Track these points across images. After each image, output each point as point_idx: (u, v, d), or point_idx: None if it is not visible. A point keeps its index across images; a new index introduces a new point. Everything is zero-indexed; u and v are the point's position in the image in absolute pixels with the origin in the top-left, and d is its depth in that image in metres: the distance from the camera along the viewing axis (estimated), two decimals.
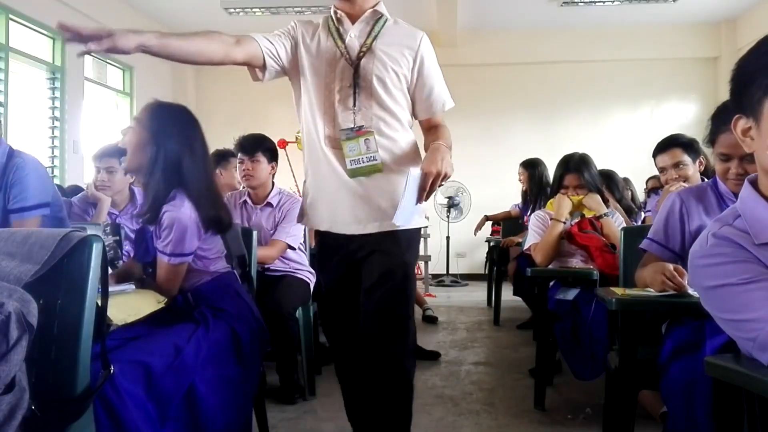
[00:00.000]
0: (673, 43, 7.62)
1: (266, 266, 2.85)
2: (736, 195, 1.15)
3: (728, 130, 1.10)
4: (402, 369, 1.78)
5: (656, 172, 3.03)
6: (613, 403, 1.95)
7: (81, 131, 5.95)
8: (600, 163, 3.16)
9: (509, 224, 5.20)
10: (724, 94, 1.18)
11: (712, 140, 1.79)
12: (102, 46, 1.36)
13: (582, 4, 6.78)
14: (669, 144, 2.63)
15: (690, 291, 1.57)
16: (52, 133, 5.59)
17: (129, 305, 1.68)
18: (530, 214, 3.83)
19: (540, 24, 7.47)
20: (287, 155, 6.09)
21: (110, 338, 1.56)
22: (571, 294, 2.67)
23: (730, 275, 0.99)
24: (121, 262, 2.30)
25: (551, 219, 2.90)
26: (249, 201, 3.01)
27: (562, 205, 2.88)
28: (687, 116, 7.60)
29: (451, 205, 7.39)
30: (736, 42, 7.36)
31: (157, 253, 1.80)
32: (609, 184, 3.59)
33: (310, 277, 3.00)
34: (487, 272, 5.79)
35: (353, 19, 1.77)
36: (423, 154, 1.77)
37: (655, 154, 2.67)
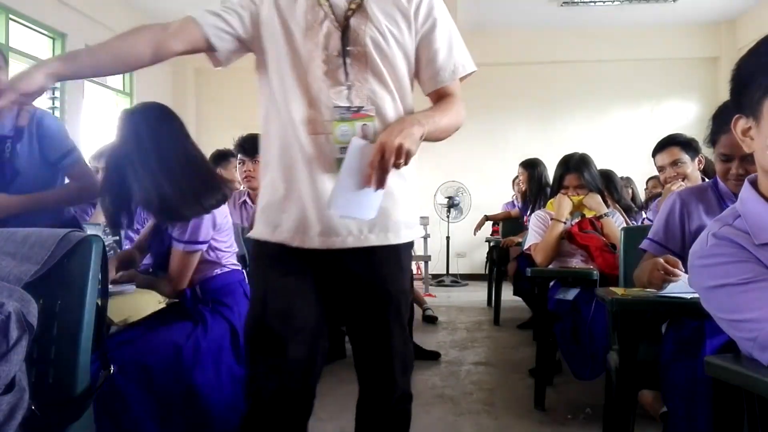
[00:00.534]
0: (673, 43, 7.62)
1: None
2: (736, 195, 1.15)
3: (729, 130, 1.09)
4: (405, 415, 1.48)
5: (657, 173, 3.04)
6: (613, 403, 1.94)
7: (81, 131, 5.95)
8: (600, 163, 3.16)
9: (509, 224, 5.20)
10: (724, 94, 1.18)
11: (712, 140, 1.79)
12: (6, 100, 1.14)
13: (582, 4, 6.79)
14: (667, 143, 2.67)
15: (682, 279, 1.56)
16: None
17: (129, 305, 1.68)
18: (530, 214, 3.83)
19: (540, 24, 7.47)
20: None
21: (110, 339, 1.56)
22: (571, 294, 2.67)
23: (730, 275, 0.99)
24: None
25: (551, 219, 2.90)
26: (249, 201, 3.00)
27: (562, 205, 2.88)
28: (687, 116, 7.61)
29: (451, 205, 7.39)
30: (736, 42, 7.36)
31: (172, 242, 1.80)
32: (607, 184, 3.59)
33: None
34: (487, 272, 5.79)
35: None
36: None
37: (654, 154, 2.72)
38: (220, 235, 1.86)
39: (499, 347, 3.95)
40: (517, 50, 7.74)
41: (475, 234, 5.88)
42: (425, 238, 6.70)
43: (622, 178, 4.27)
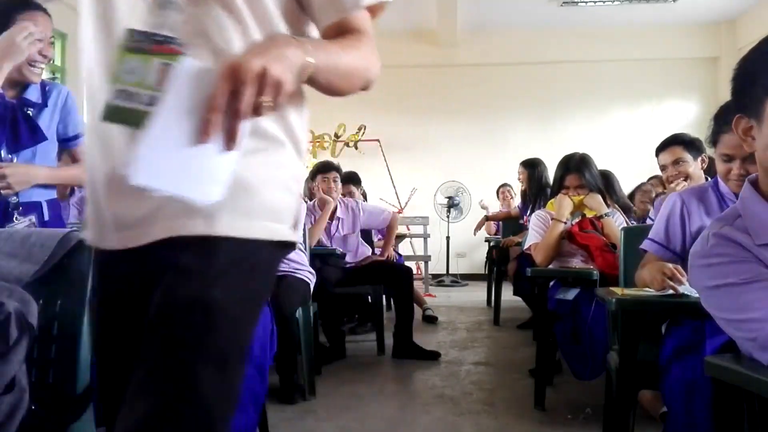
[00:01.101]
0: (673, 43, 7.63)
1: None
2: (737, 196, 1.15)
3: (730, 130, 1.10)
4: None
5: (658, 172, 3.04)
6: (613, 403, 1.94)
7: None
8: (600, 164, 3.16)
9: (509, 224, 5.20)
10: (724, 94, 1.18)
11: (714, 140, 1.79)
12: None
13: (582, 3, 6.79)
14: (670, 142, 2.69)
15: (685, 288, 1.57)
16: None
17: None
18: (530, 214, 3.83)
19: (540, 24, 7.47)
20: None
21: None
22: (571, 294, 2.67)
23: (731, 275, 0.99)
24: None
25: (552, 219, 2.90)
26: None
27: (563, 205, 2.88)
28: (687, 116, 7.61)
29: (451, 205, 7.39)
30: (736, 42, 7.37)
31: None
32: (606, 184, 3.60)
33: (310, 277, 3.00)
34: (487, 272, 5.79)
35: None
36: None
37: (657, 153, 2.73)
38: None
39: (499, 347, 3.95)
40: (517, 50, 7.74)
41: (475, 234, 5.88)
42: (425, 238, 6.70)
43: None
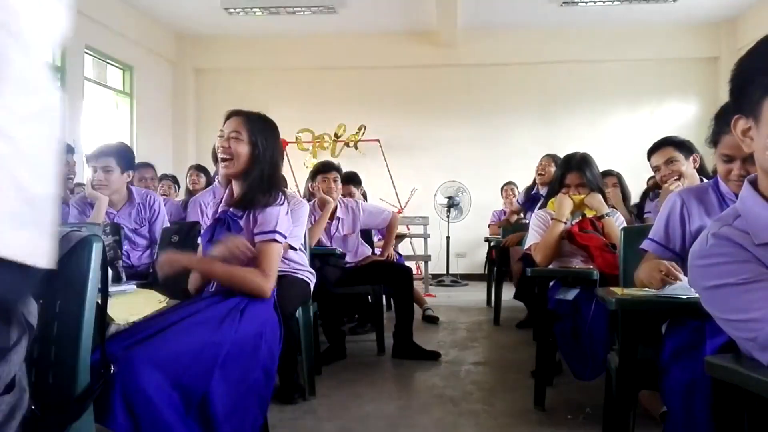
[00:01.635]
0: (673, 43, 7.63)
1: None
2: (737, 196, 1.15)
3: (731, 131, 1.10)
4: None
5: None
6: (613, 403, 1.94)
7: (81, 131, 5.95)
8: (600, 163, 3.16)
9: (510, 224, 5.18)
10: (724, 95, 1.18)
11: (714, 141, 1.79)
12: None
13: (582, 3, 6.79)
14: (660, 144, 2.78)
15: (683, 287, 1.57)
16: None
17: (130, 305, 1.68)
18: (539, 208, 3.76)
19: (540, 24, 7.48)
20: (287, 156, 6.09)
21: (136, 330, 1.52)
22: (571, 294, 2.66)
23: (730, 275, 0.99)
24: (120, 261, 2.30)
25: (552, 219, 2.90)
26: None
27: (563, 204, 2.88)
28: (687, 116, 7.61)
29: (451, 205, 7.39)
30: (736, 42, 7.37)
31: (260, 237, 1.90)
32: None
33: (310, 277, 3.00)
34: (487, 272, 5.79)
35: None
36: None
37: (648, 156, 2.82)
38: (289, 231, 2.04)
39: (499, 347, 3.95)
40: (517, 50, 7.74)
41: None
42: (425, 237, 6.70)
43: (611, 173, 4.21)
